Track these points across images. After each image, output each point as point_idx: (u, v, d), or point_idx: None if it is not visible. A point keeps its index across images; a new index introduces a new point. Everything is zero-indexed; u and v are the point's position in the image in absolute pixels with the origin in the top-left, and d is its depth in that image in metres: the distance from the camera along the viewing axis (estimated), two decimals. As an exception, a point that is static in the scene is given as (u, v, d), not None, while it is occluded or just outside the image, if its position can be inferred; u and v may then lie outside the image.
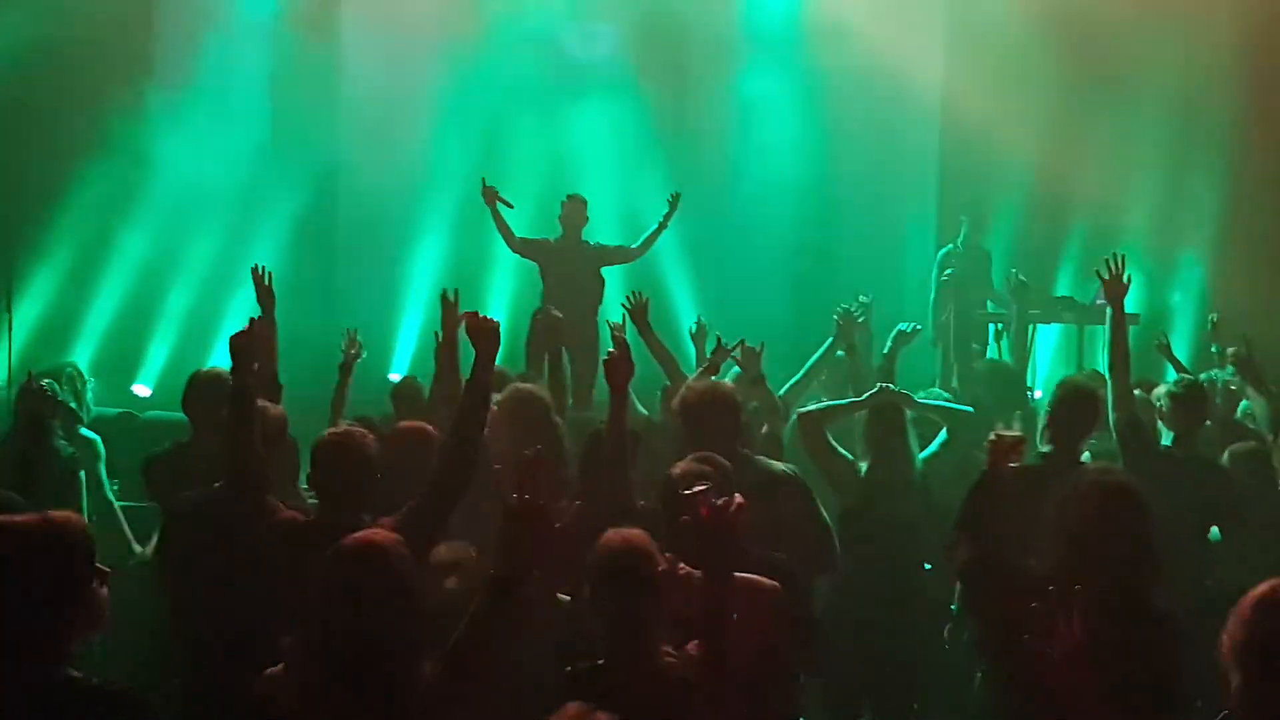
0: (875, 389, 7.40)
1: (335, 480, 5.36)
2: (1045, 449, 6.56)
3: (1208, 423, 8.09)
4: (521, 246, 11.17)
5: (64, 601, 3.44)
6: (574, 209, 11.17)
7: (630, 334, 8.12)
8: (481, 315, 5.64)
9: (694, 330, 8.97)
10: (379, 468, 5.45)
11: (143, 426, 10.44)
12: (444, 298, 7.33)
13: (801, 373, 8.86)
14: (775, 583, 4.76)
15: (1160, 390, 7.55)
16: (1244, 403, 8.84)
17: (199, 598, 5.57)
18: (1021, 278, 11.40)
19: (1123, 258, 7.38)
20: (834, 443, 7.16)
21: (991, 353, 11.65)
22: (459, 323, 6.88)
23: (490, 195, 10.91)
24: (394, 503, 5.33)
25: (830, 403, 7.71)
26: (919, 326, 8.93)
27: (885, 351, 8.61)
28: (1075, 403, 6.63)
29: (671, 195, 11.25)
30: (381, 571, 3.94)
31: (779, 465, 6.40)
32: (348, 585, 3.91)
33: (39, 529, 3.46)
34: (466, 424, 5.44)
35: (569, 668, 4.25)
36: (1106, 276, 7.30)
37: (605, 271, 11.19)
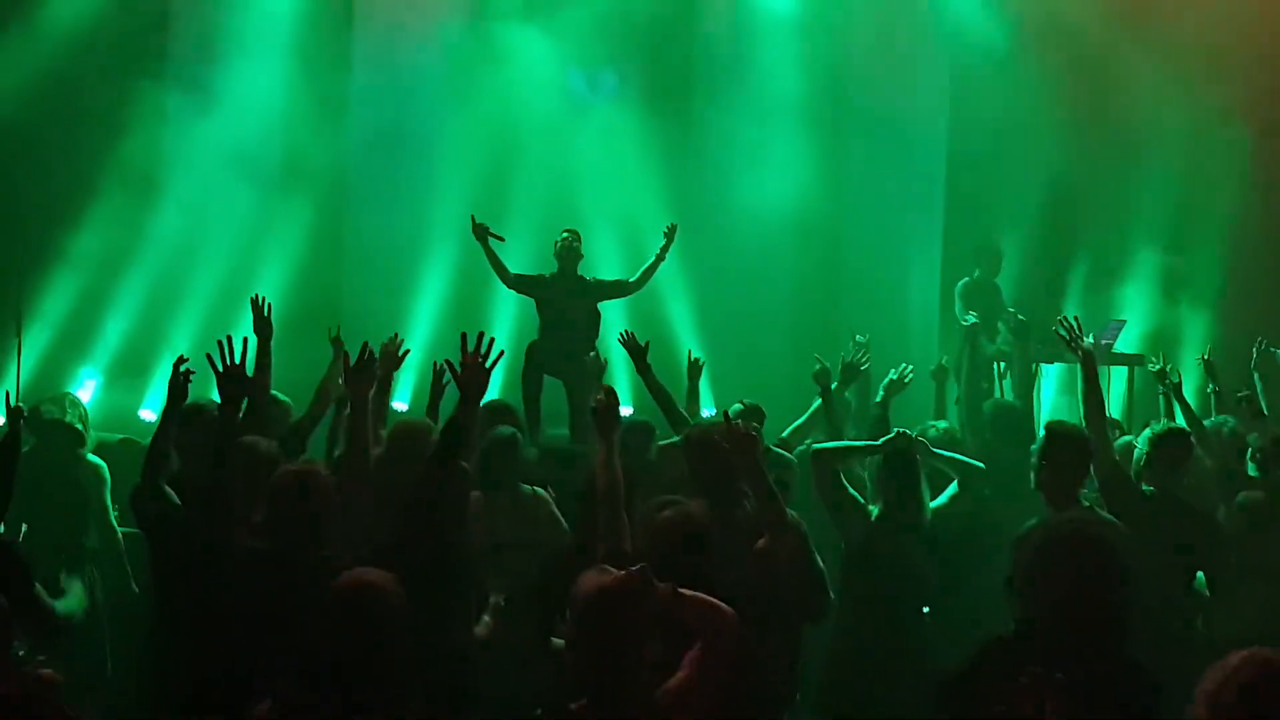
0: (891, 434, 7.31)
1: (294, 514, 5.39)
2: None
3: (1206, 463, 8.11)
4: (516, 283, 11.08)
5: None
6: (570, 243, 11.04)
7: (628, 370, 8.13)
8: (473, 354, 5.69)
9: (688, 363, 8.92)
10: (337, 502, 5.53)
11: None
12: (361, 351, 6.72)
13: (805, 416, 8.81)
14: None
15: (1144, 435, 7.54)
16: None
17: (182, 627, 5.62)
18: (1021, 317, 11.31)
19: (1077, 319, 7.52)
20: (846, 483, 7.12)
21: (996, 392, 11.50)
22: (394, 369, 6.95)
23: (481, 232, 10.84)
24: None
25: (845, 443, 7.67)
26: (910, 374, 8.73)
27: (878, 400, 8.45)
28: (1067, 443, 6.63)
29: (667, 227, 11.07)
30: (381, 612, 4.01)
31: (780, 510, 6.36)
32: (347, 624, 4.00)
33: None
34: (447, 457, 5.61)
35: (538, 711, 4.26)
36: (1066, 336, 7.39)
37: (603, 305, 11.08)
